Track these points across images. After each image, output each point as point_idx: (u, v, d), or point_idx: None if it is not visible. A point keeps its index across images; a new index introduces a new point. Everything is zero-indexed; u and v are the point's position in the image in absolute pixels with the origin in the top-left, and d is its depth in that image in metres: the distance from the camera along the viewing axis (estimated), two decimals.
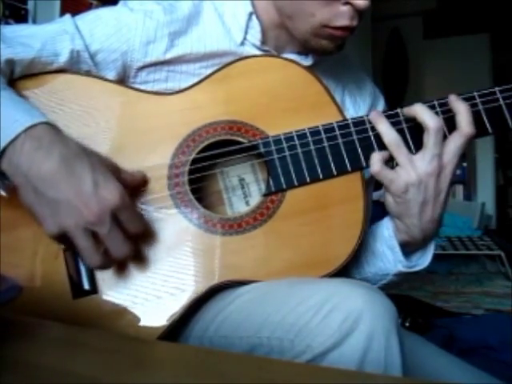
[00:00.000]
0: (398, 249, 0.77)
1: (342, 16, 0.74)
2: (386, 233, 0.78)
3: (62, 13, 1.76)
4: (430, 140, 0.71)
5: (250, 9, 0.82)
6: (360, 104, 0.92)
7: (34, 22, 1.72)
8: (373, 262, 0.81)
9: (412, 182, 0.72)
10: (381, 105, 0.96)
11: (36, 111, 0.65)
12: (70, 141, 0.65)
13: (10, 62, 0.72)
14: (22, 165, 0.62)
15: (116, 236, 0.63)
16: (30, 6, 1.72)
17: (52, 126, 0.65)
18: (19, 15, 1.69)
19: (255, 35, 0.82)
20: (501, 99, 0.75)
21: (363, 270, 0.83)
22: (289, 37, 0.83)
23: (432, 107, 0.75)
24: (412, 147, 0.74)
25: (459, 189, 6.01)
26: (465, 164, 6.03)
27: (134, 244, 0.65)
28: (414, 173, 0.72)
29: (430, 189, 0.72)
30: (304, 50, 0.85)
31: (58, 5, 1.78)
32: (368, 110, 0.93)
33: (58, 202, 0.61)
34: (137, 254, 0.69)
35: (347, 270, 0.87)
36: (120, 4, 0.82)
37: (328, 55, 0.82)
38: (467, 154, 5.90)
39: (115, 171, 0.67)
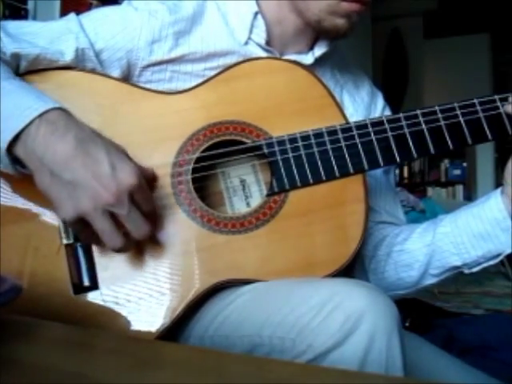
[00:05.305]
0: None
1: None
2: (500, 215, 0.76)
3: (62, 13, 1.76)
4: None
5: (255, 8, 0.83)
6: (359, 103, 0.93)
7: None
8: (480, 245, 0.78)
9: None
10: (380, 102, 0.97)
11: (48, 98, 0.65)
12: (84, 125, 0.65)
13: (16, 56, 0.72)
14: (37, 148, 0.61)
15: (136, 216, 0.63)
16: (30, 6, 1.72)
17: (65, 111, 0.65)
18: (19, 15, 1.69)
19: (260, 34, 0.83)
20: (500, 107, 0.76)
21: (468, 256, 0.79)
22: (294, 31, 0.84)
23: (433, 113, 0.76)
24: (414, 152, 0.75)
25: (459, 189, 6.01)
26: (465, 164, 6.04)
27: (151, 225, 0.65)
28: None
29: None
30: (307, 48, 0.86)
31: (57, 5, 1.78)
32: (367, 109, 0.93)
33: (75, 184, 0.61)
34: (139, 251, 0.69)
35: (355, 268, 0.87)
36: (124, 3, 0.83)
37: (340, 38, 0.83)
38: (467, 154, 5.90)
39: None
